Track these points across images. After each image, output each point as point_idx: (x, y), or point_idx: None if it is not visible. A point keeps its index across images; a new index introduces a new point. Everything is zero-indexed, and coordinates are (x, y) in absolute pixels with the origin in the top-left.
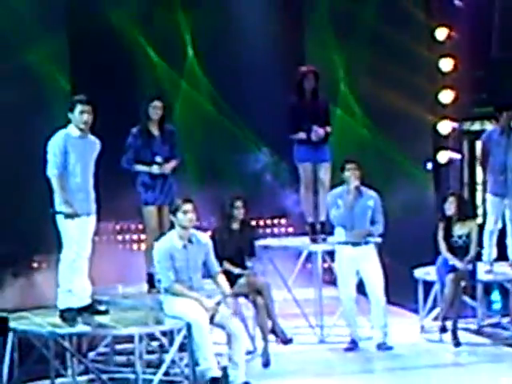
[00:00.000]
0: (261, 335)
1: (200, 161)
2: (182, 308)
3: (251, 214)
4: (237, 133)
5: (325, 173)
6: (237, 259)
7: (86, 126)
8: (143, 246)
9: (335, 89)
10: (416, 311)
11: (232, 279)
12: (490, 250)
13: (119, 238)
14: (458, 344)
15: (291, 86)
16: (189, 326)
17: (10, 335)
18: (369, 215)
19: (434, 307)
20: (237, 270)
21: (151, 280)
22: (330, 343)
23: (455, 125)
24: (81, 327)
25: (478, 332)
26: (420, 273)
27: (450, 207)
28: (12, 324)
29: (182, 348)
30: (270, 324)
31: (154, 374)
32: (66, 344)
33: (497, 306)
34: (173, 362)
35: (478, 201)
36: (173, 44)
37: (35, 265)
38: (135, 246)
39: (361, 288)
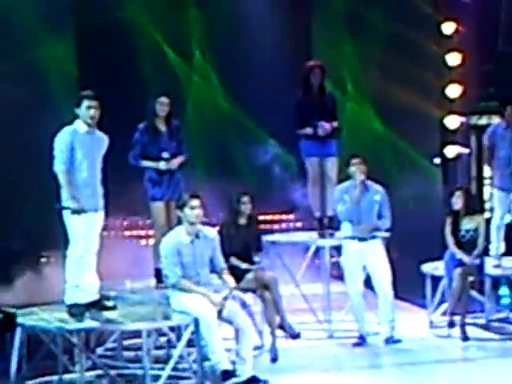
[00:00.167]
0: (269, 330)
1: (208, 156)
2: (190, 303)
3: (260, 209)
4: (247, 127)
5: (331, 167)
6: (244, 254)
7: (93, 121)
8: (151, 242)
9: (344, 84)
10: (424, 306)
11: (239, 274)
12: (497, 245)
13: (127, 233)
14: (466, 339)
15: (298, 82)
16: (196, 321)
17: (18, 331)
18: (375, 210)
19: (442, 302)
20: (244, 265)
21: (159, 275)
22: (338, 338)
23: (463, 119)
24: (89, 322)
25: (486, 327)
26: (428, 267)
27: (458, 202)
28: (20, 320)
29: (189, 343)
30: (277, 319)
31: (162, 369)
32: (74, 339)
33: (505, 300)
34: (181, 357)
35: (486, 195)
36: (184, 41)
37: (43, 260)
38: (143, 242)
39: (368, 283)
